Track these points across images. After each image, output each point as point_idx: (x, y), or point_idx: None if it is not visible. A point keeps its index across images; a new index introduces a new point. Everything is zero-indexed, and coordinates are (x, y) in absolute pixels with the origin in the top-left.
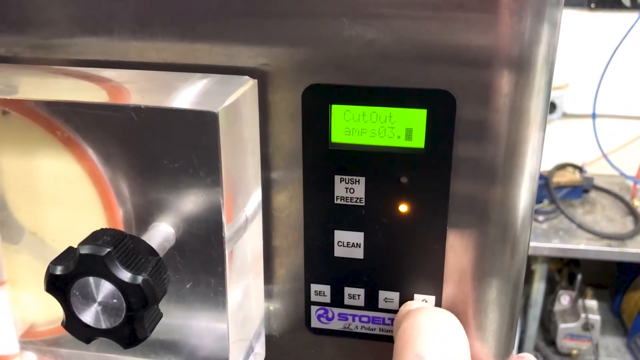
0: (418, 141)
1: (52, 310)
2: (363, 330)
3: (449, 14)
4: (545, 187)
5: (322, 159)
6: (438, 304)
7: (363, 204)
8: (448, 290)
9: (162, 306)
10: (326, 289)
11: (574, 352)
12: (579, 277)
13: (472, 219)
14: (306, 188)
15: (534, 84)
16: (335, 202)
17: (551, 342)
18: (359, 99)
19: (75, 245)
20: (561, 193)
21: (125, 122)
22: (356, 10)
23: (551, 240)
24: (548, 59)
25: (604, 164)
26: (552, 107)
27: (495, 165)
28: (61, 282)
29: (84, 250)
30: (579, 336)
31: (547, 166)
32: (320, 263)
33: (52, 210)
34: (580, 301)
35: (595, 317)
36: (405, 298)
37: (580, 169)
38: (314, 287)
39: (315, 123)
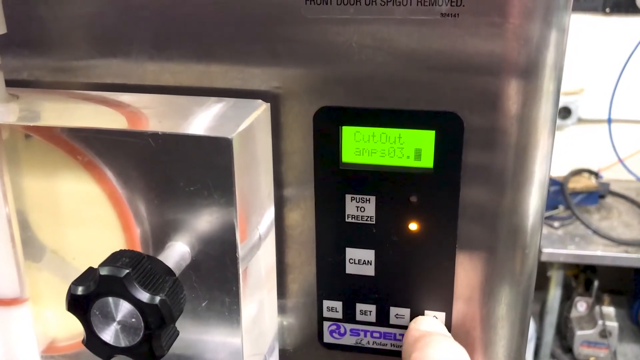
0: (427, 161)
1: (72, 326)
2: (375, 346)
3: (455, 26)
4: (561, 193)
5: (333, 179)
6: (448, 320)
7: (374, 223)
8: (458, 306)
9: (178, 323)
10: (338, 305)
11: (591, 359)
12: (596, 283)
13: (482, 229)
14: (318, 206)
15: (542, 90)
16: (347, 220)
17: (568, 349)
18: (369, 120)
19: (94, 264)
20: (577, 199)
21: (143, 147)
22: (365, 34)
23: (567, 246)
24: (557, 65)
25: (620, 169)
26: (567, 112)
27: (505, 173)
28: (82, 302)
29: (104, 272)
30: (596, 343)
31: (562, 172)
32: (332, 280)
33: (72, 230)
34: (597, 308)
35: (613, 324)
36: (415, 314)
37: (596, 174)
38: (326, 303)
39: (326, 144)
